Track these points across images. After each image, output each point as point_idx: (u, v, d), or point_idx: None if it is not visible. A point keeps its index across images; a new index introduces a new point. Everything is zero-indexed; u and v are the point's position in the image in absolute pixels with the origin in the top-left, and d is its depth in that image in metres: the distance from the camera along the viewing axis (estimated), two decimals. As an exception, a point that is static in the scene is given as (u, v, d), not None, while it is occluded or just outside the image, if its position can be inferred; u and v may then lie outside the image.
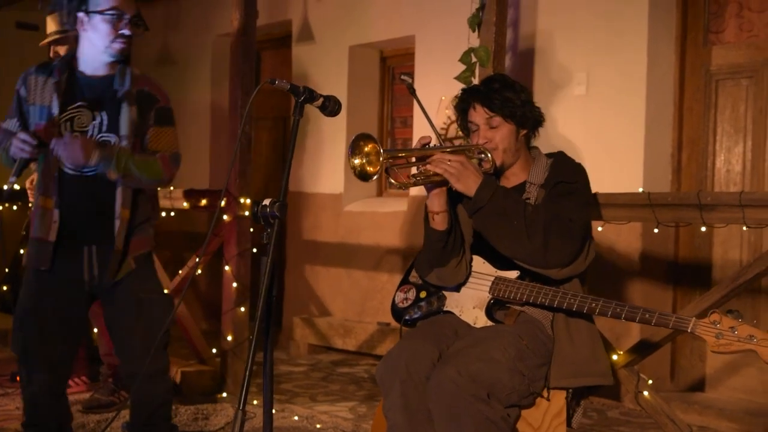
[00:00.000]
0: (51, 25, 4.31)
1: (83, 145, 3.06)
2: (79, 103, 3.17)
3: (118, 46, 3.17)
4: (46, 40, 4.31)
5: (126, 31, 3.17)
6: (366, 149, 2.48)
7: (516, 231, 2.59)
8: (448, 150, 2.67)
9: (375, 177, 2.48)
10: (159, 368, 3.27)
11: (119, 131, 3.16)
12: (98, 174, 3.12)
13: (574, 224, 2.63)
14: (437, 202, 2.68)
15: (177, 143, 3.32)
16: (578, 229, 2.64)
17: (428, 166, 2.61)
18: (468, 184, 2.61)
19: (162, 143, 3.25)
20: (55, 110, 3.15)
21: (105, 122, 3.16)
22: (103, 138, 3.15)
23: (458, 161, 2.60)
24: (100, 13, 3.14)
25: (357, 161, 2.48)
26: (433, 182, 2.64)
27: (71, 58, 3.25)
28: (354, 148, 2.48)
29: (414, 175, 2.63)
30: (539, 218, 2.60)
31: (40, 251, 3.18)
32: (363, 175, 2.49)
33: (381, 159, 2.45)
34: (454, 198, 2.73)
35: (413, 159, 2.65)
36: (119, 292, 3.24)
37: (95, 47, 3.19)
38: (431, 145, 2.68)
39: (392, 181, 2.59)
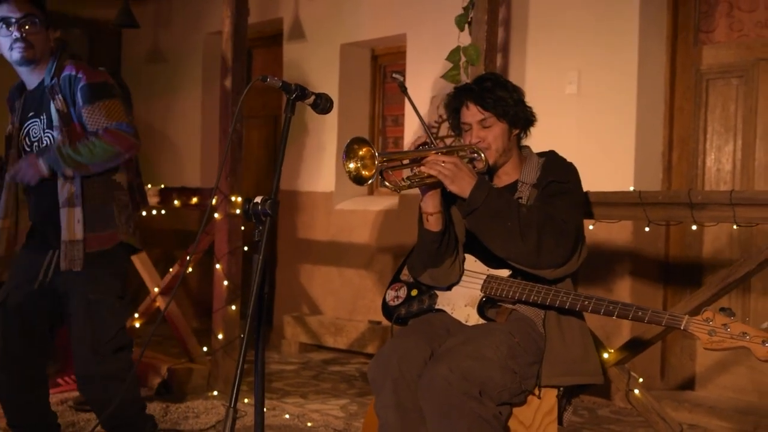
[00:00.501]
0: None
1: (30, 163, 3.12)
2: (30, 115, 3.25)
3: (16, 53, 3.15)
4: None
5: (15, 34, 3.11)
6: (360, 153, 2.47)
7: (510, 232, 2.59)
8: (441, 151, 2.67)
9: (370, 181, 2.47)
10: (109, 373, 3.13)
11: (53, 125, 3.16)
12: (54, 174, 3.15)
13: (567, 225, 2.63)
14: (431, 203, 2.68)
15: (117, 114, 3.13)
16: (571, 229, 2.65)
17: (422, 168, 2.61)
18: (462, 185, 2.61)
19: (97, 120, 3.12)
20: (9, 130, 3.32)
21: (45, 122, 3.20)
22: (46, 134, 3.19)
23: (452, 163, 2.60)
24: None
25: (352, 165, 2.47)
26: (427, 184, 2.64)
27: (21, 81, 3.32)
28: (348, 152, 2.47)
29: (408, 177, 2.62)
30: (533, 219, 2.60)
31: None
32: (358, 179, 2.47)
33: (376, 162, 2.44)
34: (448, 198, 2.73)
35: (407, 161, 2.65)
36: (71, 292, 3.17)
37: (12, 63, 3.22)
38: (425, 145, 2.67)
39: (387, 183, 2.57)
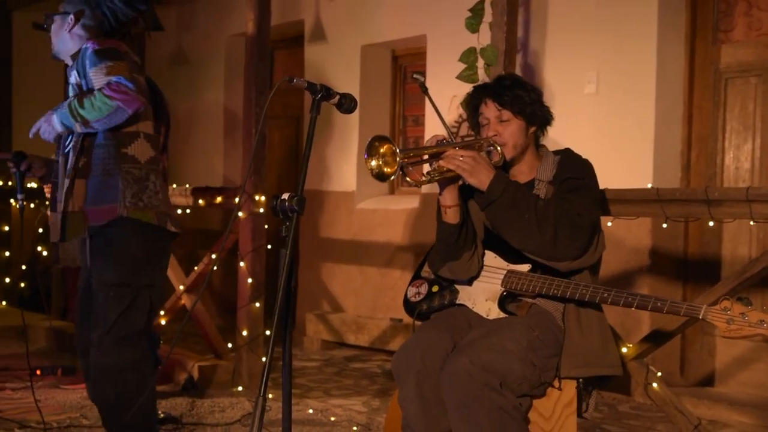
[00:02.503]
0: None
1: (45, 119, 3.22)
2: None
3: None
4: None
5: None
6: (382, 150, 2.55)
7: (527, 224, 2.65)
8: (459, 145, 2.74)
9: (392, 177, 2.55)
10: (107, 364, 3.13)
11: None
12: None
13: (582, 218, 2.69)
14: (449, 196, 2.75)
15: (119, 70, 3.07)
16: (586, 223, 2.70)
17: (441, 162, 2.68)
18: (481, 178, 2.68)
19: (100, 79, 3.09)
20: None
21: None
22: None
23: (470, 156, 2.67)
24: None
25: (374, 163, 2.55)
26: (446, 178, 2.71)
27: None
28: (370, 150, 2.54)
29: (428, 173, 2.69)
30: (550, 212, 2.66)
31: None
32: (380, 176, 2.55)
33: (397, 159, 2.52)
34: (466, 193, 2.80)
35: (426, 156, 2.72)
36: (91, 276, 3.22)
37: None
38: (443, 141, 2.75)
39: (408, 179, 2.66)
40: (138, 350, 3.19)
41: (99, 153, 3.16)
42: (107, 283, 3.15)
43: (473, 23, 4.66)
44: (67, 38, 3.31)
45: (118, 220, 3.13)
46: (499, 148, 2.80)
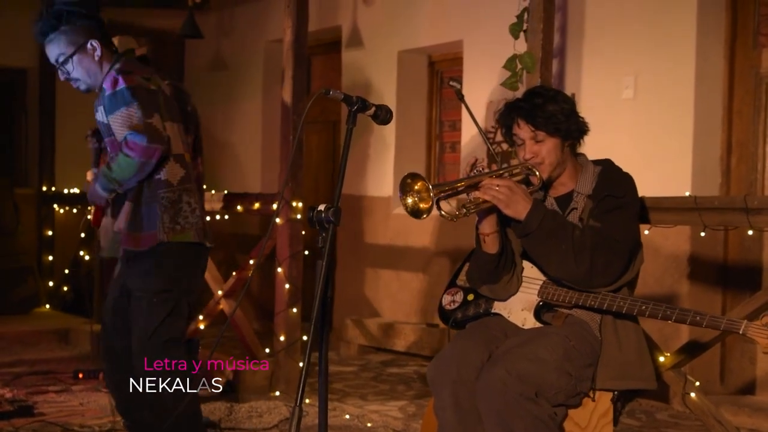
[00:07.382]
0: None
1: (92, 192, 3.33)
2: None
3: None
4: None
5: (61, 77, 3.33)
6: (416, 187, 2.53)
7: (564, 255, 2.64)
8: (495, 173, 2.71)
9: (426, 215, 2.52)
10: (141, 372, 3.21)
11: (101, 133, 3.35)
12: None
13: (621, 245, 2.66)
14: (488, 224, 2.74)
15: (130, 121, 3.13)
16: (625, 249, 2.68)
17: (477, 193, 2.65)
18: (517, 209, 2.65)
19: (118, 130, 3.16)
20: None
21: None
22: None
23: (506, 187, 2.64)
24: None
25: (409, 200, 2.54)
26: (482, 210, 2.68)
27: None
28: (404, 188, 2.54)
29: (464, 205, 2.66)
30: (586, 242, 2.64)
31: None
32: (416, 213, 2.53)
33: (431, 195, 2.50)
34: (504, 217, 2.75)
35: (462, 187, 2.68)
36: (130, 290, 3.31)
37: None
38: (478, 167, 2.72)
39: (443, 214, 2.60)
40: (182, 351, 3.30)
41: (144, 202, 3.26)
42: (151, 290, 3.25)
43: (516, 29, 4.65)
44: (94, 68, 3.26)
45: (159, 245, 3.24)
46: (537, 172, 2.77)
